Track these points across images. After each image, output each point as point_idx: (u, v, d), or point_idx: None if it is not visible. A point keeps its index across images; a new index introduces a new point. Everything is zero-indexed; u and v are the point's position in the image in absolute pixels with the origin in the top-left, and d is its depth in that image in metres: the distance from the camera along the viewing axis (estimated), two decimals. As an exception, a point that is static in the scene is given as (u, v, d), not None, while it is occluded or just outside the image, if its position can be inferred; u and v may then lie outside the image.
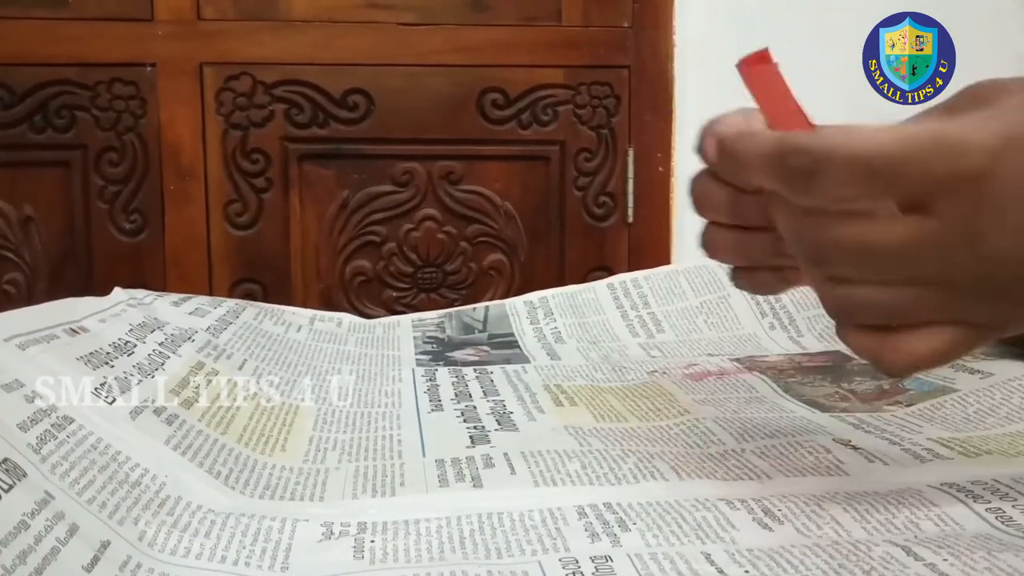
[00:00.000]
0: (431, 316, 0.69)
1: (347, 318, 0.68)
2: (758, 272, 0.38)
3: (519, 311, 0.69)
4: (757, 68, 0.34)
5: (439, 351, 0.62)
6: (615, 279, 0.78)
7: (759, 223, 0.35)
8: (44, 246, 1.47)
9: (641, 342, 0.69)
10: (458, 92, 1.54)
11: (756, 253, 0.36)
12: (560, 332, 0.70)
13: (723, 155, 0.34)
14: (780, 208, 0.33)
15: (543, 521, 0.34)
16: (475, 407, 0.50)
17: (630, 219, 1.60)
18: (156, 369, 0.45)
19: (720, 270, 0.76)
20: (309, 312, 0.68)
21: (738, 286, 0.38)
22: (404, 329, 0.67)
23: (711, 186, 0.36)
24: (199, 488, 0.36)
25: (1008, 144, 0.29)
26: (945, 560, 0.29)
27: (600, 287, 0.76)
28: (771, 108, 0.34)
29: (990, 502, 0.34)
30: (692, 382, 0.56)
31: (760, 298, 0.73)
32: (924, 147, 0.29)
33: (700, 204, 0.37)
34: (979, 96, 0.31)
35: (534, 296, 0.70)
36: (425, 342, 0.64)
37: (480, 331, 0.66)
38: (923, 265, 0.31)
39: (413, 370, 0.58)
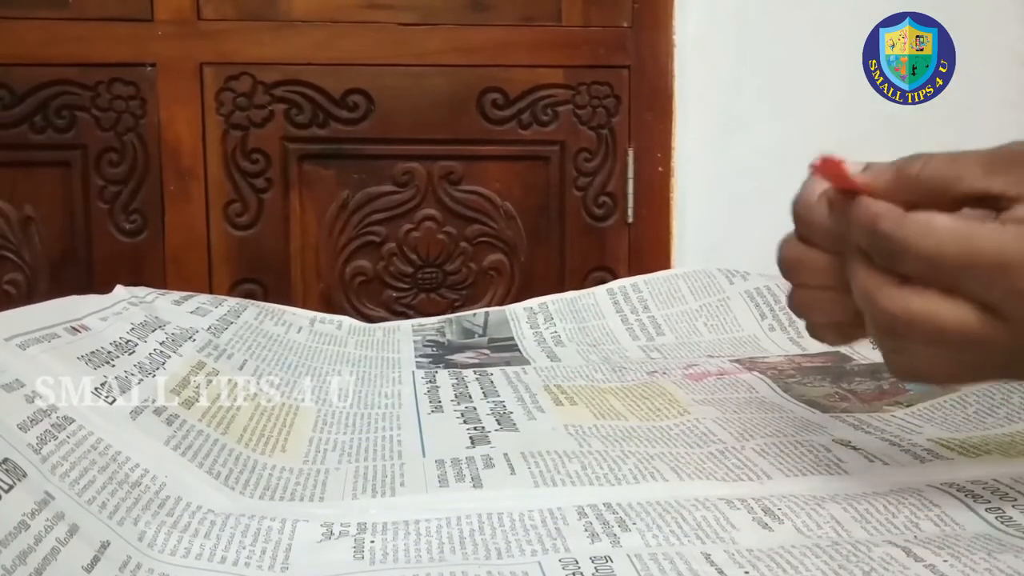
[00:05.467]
0: (431, 321, 0.70)
1: (347, 321, 0.68)
2: (841, 326, 0.38)
3: (519, 316, 0.69)
4: (827, 167, 0.35)
5: (439, 354, 0.62)
6: (615, 284, 0.78)
7: (843, 287, 0.36)
8: (44, 246, 1.46)
9: (641, 345, 0.69)
10: (458, 92, 1.54)
11: (840, 313, 0.37)
12: (560, 336, 0.70)
13: (834, 212, 0.35)
14: (857, 276, 0.34)
15: (543, 521, 0.34)
16: (475, 408, 0.50)
17: (630, 219, 1.59)
18: (157, 368, 0.45)
19: (719, 273, 0.77)
20: (310, 314, 0.68)
21: (818, 338, 0.39)
22: (404, 333, 0.67)
23: (800, 250, 0.37)
24: (199, 488, 0.36)
25: None
26: (945, 561, 0.29)
27: (600, 292, 0.76)
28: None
29: (990, 502, 0.34)
30: (692, 382, 0.56)
31: (760, 300, 0.73)
32: (988, 265, 0.30)
33: (790, 269, 0.38)
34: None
35: (534, 302, 0.70)
36: (425, 345, 0.64)
37: (480, 335, 0.66)
38: (988, 356, 0.32)
39: (413, 372, 0.58)
